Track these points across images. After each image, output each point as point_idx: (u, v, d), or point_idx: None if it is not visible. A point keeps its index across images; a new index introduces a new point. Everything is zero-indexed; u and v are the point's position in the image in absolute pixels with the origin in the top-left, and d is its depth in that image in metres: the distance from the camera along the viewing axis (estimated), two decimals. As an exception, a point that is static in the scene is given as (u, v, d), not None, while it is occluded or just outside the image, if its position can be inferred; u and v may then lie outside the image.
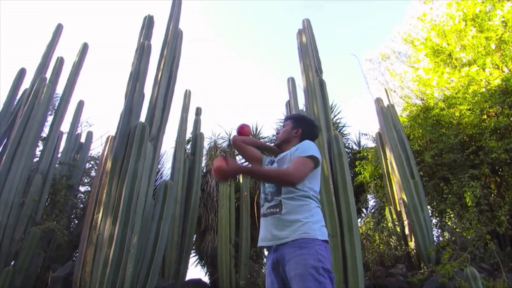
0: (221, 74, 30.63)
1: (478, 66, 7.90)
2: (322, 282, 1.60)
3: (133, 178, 4.50)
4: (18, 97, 6.64)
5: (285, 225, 1.80)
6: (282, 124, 2.38)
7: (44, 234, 5.27)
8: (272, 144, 2.37)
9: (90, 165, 8.37)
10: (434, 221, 6.96)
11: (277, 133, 2.31)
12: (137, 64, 5.59)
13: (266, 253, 6.92)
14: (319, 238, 1.74)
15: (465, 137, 6.76)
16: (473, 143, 6.56)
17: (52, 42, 7.11)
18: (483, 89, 7.09)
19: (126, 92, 5.39)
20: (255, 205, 9.07)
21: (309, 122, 2.33)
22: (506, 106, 6.50)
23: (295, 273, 1.64)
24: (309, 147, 1.99)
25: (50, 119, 6.85)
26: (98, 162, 7.38)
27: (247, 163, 2.28)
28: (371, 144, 9.35)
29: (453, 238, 5.54)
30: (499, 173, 6.60)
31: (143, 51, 5.72)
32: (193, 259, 9.91)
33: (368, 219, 6.68)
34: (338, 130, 10.48)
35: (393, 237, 6.09)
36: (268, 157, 2.28)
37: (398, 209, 6.26)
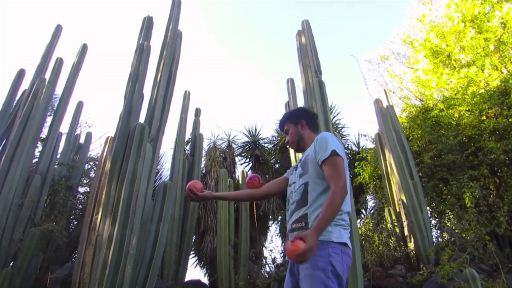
0: (221, 75, 30.66)
1: (477, 67, 7.91)
2: (328, 286, 1.54)
3: (132, 179, 4.50)
4: (17, 98, 6.64)
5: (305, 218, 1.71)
6: (283, 133, 2.21)
7: (43, 235, 5.26)
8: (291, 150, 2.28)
9: (89, 166, 8.37)
10: (433, 222, 6.96)
11: (287, 142, 2.18)
12: (136, 65, 5.59)
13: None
14: (335, 240, 1.64)
15: (464, 138, 6.77)
16: (472, 144, 6.57)
17: (52, 43, 7.11)
18: (482, 90, 7.10)
19: (126, 93, 5.39)
20: (254, 206, 9.08)
21: (303, 110, 2.29)
22: (505, 107, 6.51)
23: (304, 273, 1.62)
24: (326, 142, 1.83)
25: (49, 119, 6.85)
26: (97, 163, 7.38)
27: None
28: (370, 145, 9.36)
29: (452, 239, 5.54)
30: (498, 174, 6.60)
31: (142, 52, 5.72)
32: (192, 260, 9.90)
33: (367, 220, 6.68)
34: (337, 131, 10.48)
35: (392, 238, 6.09)
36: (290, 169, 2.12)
37: (397, 210, 6.26)
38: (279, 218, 9.76)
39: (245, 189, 2.16)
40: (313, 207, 1.72)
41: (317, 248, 1.50)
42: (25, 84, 6.76)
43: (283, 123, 2.19)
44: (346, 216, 1.75)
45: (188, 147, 8.49)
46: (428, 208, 6.62)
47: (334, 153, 1.77)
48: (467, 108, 6.77)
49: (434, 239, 6.01)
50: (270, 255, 7.33)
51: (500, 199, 6.06)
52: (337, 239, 1.64)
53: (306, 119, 2.15)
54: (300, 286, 1.64)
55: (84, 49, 7.33)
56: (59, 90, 7.00)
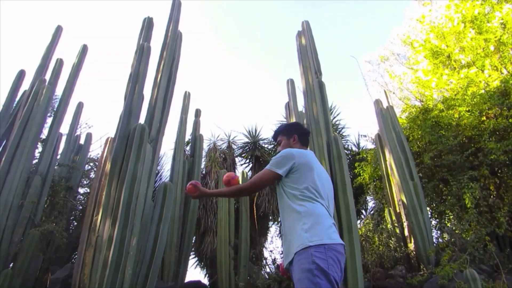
0: (221, 75, 30.67)
1: (477, 67, 7.91)
2: (317, 283, 1.65)
3: (132, 179, 4.50)
4: (17, 99, 6.64)
5: (289, 246, 1.91)
6: (275, 143, 2.46)
7: (43, 236, 5.26)
8: None
9: (89, 167, 8.36)
10: (433, 222, 6.96)
11: (277, 152, 2.34)
12: (136, 65, 5.59)
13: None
14: (312, 244, 1.77)
15: (464, 139, 6.77)
16: (472, 145, 6.56)
17: (52, 43, 7.12)
18: (482, 91, 7.09)
19: (126, 94, 5.39)
20: (254, 207, 9.08)
21: (297, 126, 2.45)
22: (505, 108, 6.51)
23: (296, 279, 1.76)
24: (275, 157, 2.14)
25: (49, 120, 6.85)
26: (97, 163, 7.38)
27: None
28: (371, 146, 9.36)
29: (452, 239, 5.53)
30: (498, 174, 6.60)
31: (142, 53, 5.72)
32: (192, 261, 9.89)
33: (367, 220, 6.67)
34: (337, 131, 10.49)
35: (392, 238, 6.08)
36: None
37: (398, 211, 6.26)
38: (279, 218, 9.75)
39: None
40: (283, 222, 2.05)
41: (302, 253, 1.76)
42: (25, 85, 6.78)
43: (277, 134, 2.41)
44: (305, 190, 1.97)
45: (188, 148, 8.50)
46: (428, 208, 6.62)
47: (268, 166, 2.12)
48: (467, 109, 6.77)
49: (434, 240, 6.00)
50: (270, 255, 7.32)
51: (500, 200, 6.06)
52: (315, 242, 1.77)
53: (298, 134, 2.33)
54: None
55: (84, 50, 7.34)
56: (59, 91, 7.02)
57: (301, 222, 1.86)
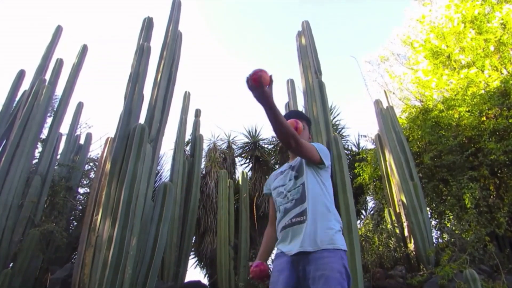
0: (221, 75, 30.67)
1: (477, 68, 7.92)
2: (344, 287, 1.68)
3: (132, 179, 4.50)
4: (17, 99, 6.64)
5: (316, 231, 1.80)
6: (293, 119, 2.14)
7: (42, 236, 5.25)
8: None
9: (89, 167, 8.36)
10: (433, 222, 6.96)
11: (295, 129, 2.04)
12: (136, 65, 5.59)
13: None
14: (343, 248, 1.80)
15: (464, 139, 6.77)
16: (472, 145, 6.57)
17: (52, 43, 7.11)
18: (482, 91, 7.10)
19: (126, 94, 5.39)
20: (254, 207, 9.07)
21: (309, 118, 2.37)
22: (505, 108, 6.51)
23: (320, 273, 1.68)
24: (318, 145, 2.01)
25: (49, 120, 6.84)
26: (97, 163, 7.38)
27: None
28: (370, 146, 9.36)
29: (452, 239, 5.54)
30: (498, 174, 6.60)
31: (142, 53, 5.72)
32: (192, 261, 9.89)
33: (367, 220, 6.67)
34: (337, 131, 10.49)
35: (392, 238, 6.09)
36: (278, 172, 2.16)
37: (398, 211, 6.26)
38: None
39: (270, 235, 2.16)
40: (311, 204, 1.85)
41: (332, 254, 1.73)
42: (25, 85, 6.77)
43: (301, 117, 2.21)
44: (331, 192, 1.96)
45: (188, 148, 8.50)
46: (428, 209, 6.62)
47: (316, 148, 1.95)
48: (467, 109, 6.77)
49: (434, 240, 6.01)
50: (270, 255, 7.33)
51: (500, 200, 6.06)
52: (344, 247, 1.81)
53: (309, 126, 2.28)
54: (311, 285, 1.69)
55: (84, 50, 7.34)
56: (59, 91, 7.01)
57: (331, 222, 1.83)
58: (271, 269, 1.93)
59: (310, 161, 1.92)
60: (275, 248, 1.98)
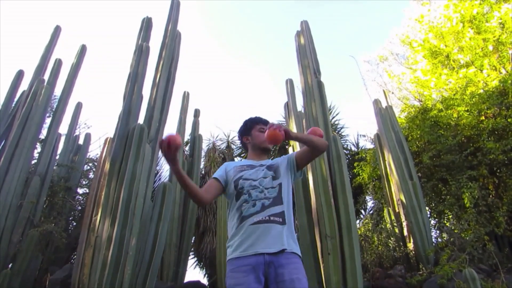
0: (220, 75, 30.66)
1: (475, 67, 7.93)
2: None
3: (131, 179, 4.49)
4: (16, 99, 6.62)
5: (289, 236, 1.91)
6: (263, 128, 2.22)
7: (42, 236, 5.25)
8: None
9: (88, 167, 8.35)
10: (432, 222, 6.98)
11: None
12: (135, 65, 5.59)
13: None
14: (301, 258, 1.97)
15: (463, 138, 6.78)
16: (471, 144, 6.57)
17: (50, 43, 7.09)
18: (481, 91, 7.10)
19: (125, 94, 5.38)
20: (253, 206, 9.06)
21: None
22: (503, 107, 6.52)
23: (296, 276, 1.78)
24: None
25: (48, 121, 6.83)
26: (96, 164, 7.37)
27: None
28: (370, 146, 9.39)
29: (451, 239, 5.54)
30: (497, 174, 6.61)
31: (141, 53, 5.72)
32: (191, 261, 9.90)
33: (366, 220, 6.69)
34: (336, 131, 10.50)
35: (391, 238, 6.09)
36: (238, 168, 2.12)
37: (397, 210, 6.26)
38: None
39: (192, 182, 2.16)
40: (286, 209, 1.95)
41: (300, 261, 1.89)
42: (24, 85, 6.75)
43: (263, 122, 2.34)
44: None
45: (187, 148, 8.49)
46: (427, 208, 6.63)
47: None
48: (466, 109, 6.78)
49: (433, 240, 6.02)
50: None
51: (499, 199, 6.06)
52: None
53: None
54: (290, 285, 1.75)
55: (83, 50, 7.32)
56: (58, 91, 6.98)
57: (295, 234, 2.00)
58: (228, 272, 1.86)
59: (310, 161, 2.05)
60: (232, 248, 1.89)
